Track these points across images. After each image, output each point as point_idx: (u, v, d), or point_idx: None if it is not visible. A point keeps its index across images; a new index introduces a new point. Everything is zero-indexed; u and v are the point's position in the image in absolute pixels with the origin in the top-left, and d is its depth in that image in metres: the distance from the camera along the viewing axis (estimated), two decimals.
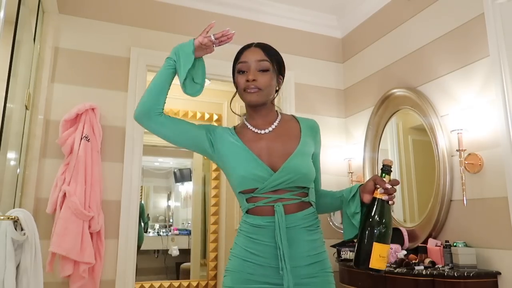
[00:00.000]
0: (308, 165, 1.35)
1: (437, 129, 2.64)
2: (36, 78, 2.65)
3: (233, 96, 1.48)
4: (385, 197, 1.20)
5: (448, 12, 2.69)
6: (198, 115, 4.85)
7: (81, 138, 2.65)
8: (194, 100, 4.83)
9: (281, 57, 1.46)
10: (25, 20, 2.15)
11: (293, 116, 1.50)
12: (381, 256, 1.16)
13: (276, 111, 1.47)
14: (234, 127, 1.46)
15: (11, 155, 2.19)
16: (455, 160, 2.54)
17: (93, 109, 2.77)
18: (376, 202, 1.21)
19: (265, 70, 1.37)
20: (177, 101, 4.74)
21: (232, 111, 1.50)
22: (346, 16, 3.70)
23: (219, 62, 3.29)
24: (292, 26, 3.65)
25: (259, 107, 1.40)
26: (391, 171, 1.23)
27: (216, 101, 4.88)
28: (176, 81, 1.36)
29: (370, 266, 1.17)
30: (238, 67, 1.40)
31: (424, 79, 2.85)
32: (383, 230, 1.18)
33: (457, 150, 2.44)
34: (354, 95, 3.63)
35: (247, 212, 1.34)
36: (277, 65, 1.42)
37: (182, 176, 6.06)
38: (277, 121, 1.43)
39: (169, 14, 3.26)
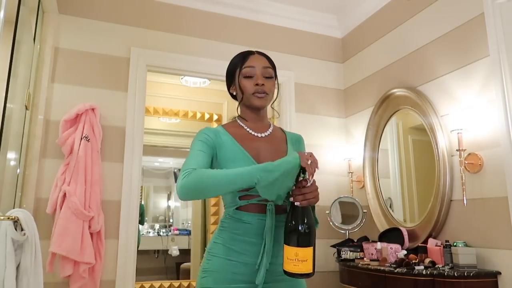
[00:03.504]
0: None
1: (437, 129, 2.65)
2: (36, 78, 2.65)
3: (240, 101, 1.49)
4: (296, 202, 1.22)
5: (448, 12, 2.69)
6: (198, 115, 4.84)
7: (81, 138, 2.65)
8: (194, 100, 4.83)
9: None
10: (25, 20, 2.15)
11: (280, 128, 1.59)
12: (289, 258, 1.19)
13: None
14: (223, 126, 1.49)
15: (11, 155, 2.18)
16: (455, 160, 2.54)
17: (93, 109, 2.77)
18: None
19: (270, 77, 1.47)
20: (177, 101, 4.75)
21: (238, 114, 1.53)
22: (346, 16, 3.70)
23: (219, 62, 3.31)
24: (292, 26, 3.65)
25: (259, 111, 1.49)
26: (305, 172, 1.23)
27: (216, 101, 4.87)
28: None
29: (283, 269, 1.21)
30: (244, 72, 1.45)
31: (424, 79, 2.85)
32: (288, 232, 1.21)
33: (457, 150, 2.44)
34: (354, 95, 3.63)
35: (237, 208, 1.36)
36: (275, 73, 1.52)
37: None
38: (271, 128, 1.52)
39: (169, 14, 3.26)
